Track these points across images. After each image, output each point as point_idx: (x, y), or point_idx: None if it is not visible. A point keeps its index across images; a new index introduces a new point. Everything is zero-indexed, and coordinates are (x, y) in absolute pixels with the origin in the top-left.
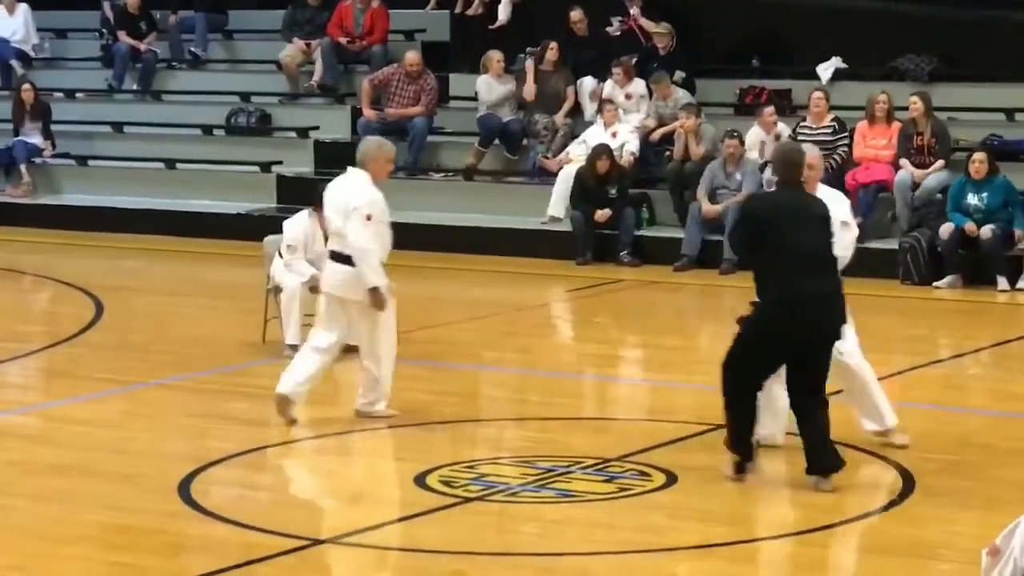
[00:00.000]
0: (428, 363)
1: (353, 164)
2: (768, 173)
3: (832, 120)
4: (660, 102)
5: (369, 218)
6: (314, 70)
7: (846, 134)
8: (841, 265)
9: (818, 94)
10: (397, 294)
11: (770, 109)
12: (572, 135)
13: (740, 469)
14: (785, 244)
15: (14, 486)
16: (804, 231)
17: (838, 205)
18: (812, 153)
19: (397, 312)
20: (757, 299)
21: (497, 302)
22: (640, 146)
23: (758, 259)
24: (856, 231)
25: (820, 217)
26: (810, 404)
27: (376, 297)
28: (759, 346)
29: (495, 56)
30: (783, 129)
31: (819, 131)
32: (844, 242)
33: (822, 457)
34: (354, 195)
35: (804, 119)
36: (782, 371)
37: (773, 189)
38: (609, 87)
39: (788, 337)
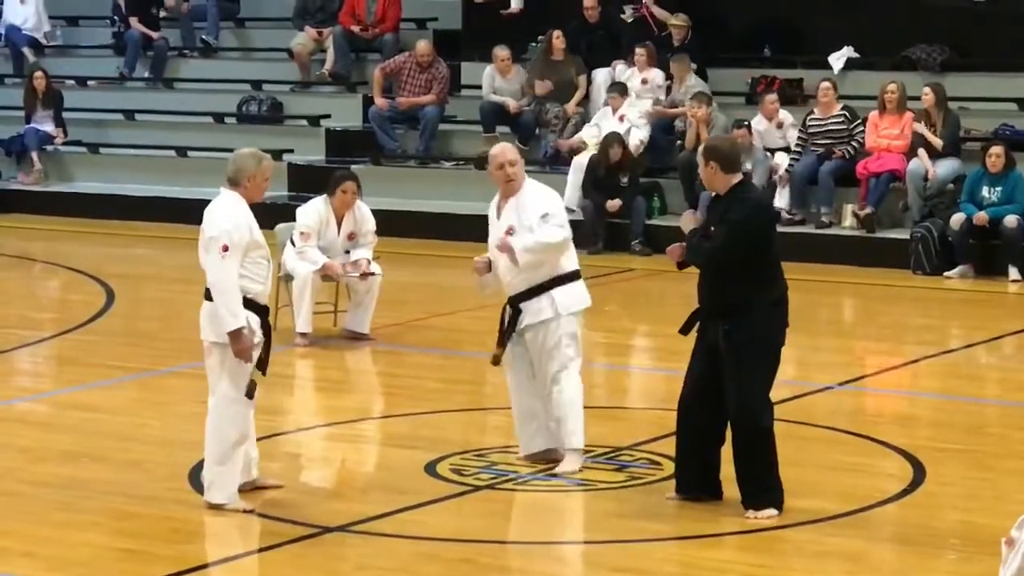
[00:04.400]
0: (438, 351)
1: (360, 151)
2: (780, 161)
3: (841, 110)
4: (678, 86)
5: (226, 249)
6: (326, 58)
7: (859, 122)
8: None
9: (826, 84)
10: (408, 281)
11: (771, 97)
12: (584, 124)
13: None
14: (775, 244)
15: (24, 473)
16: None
17: (546, 200)
18: (510, 149)
19: (411, 302)
20: (734, 303)
21: None
22: (650, 134)
23: (757, 260)
24: (561, 232)
25: None
26: None
27: (238, 343)
28: (778, 353)
29: (501, 54)
30: (785, 117)
31: (828, 121)
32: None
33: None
34: (212, 222)
35: (812, 111)
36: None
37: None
38: (626, 71)
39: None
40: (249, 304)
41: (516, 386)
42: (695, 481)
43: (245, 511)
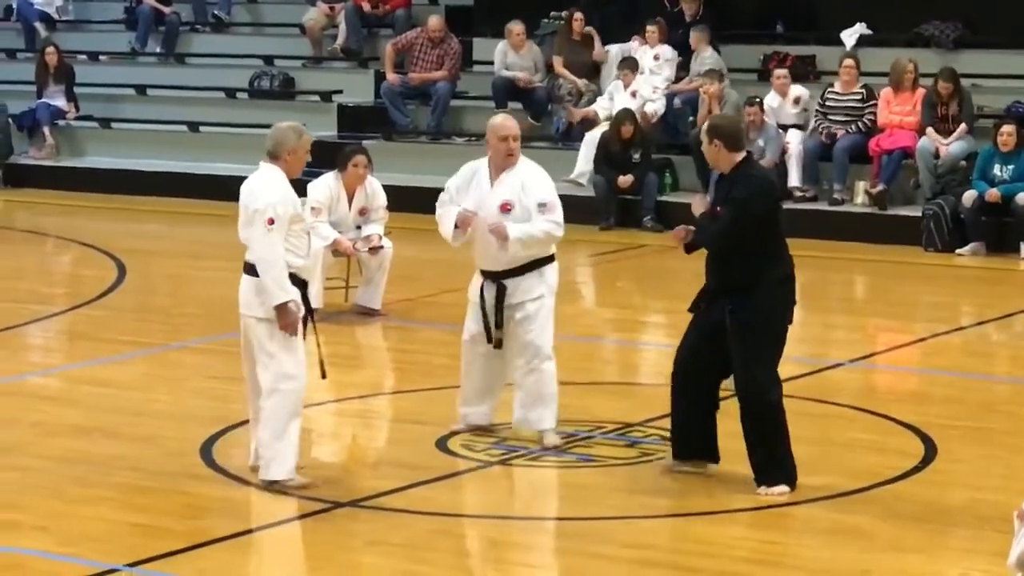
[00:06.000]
0: (449, 327)
1: (372, 127)
2: (792, 138)
3: (861, 87)
4: (696, 55)
5: (272, 222)
6: (338, 34)
7: (874, 102)
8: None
9: (848, 61)
10: (419, 257)
11: (780, 72)
12: (596, 99)
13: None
14: (781, 221)
15: (36, 447)
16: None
17: (546, 187)
18: (515, 123)
19: (422, 277)
20: (741, 281)
21: None
22: (664, 108)
23: (762, 239)
24: (560, 230)
25: None
26: None
27: (285, 316)
28: (784, 331)
29: (515, 28)
30: (799, 92)
31: (847, 98)
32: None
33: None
34: (255, 196)
35: (832, 85)
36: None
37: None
38: (638, 48)
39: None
40: (291, 278)
41: (479, 361)
42: (695, 447)
43: (302, 486)
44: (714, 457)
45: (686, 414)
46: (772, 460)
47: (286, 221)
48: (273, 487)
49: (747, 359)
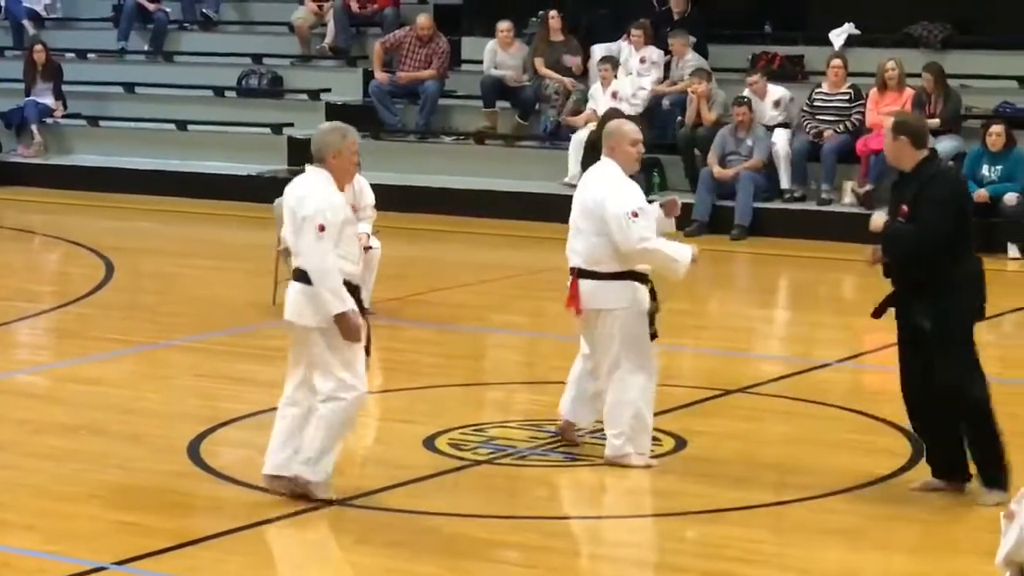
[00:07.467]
0: (437, 326)
1: (360, 126)
2: (779, 138)
3: (849, 87)
4: (677, 60)
5: (322, 229)
6: (326, 32)
7: (862, 102)
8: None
9: (836, 61)
10: (407, 256)
11: (753, 78)
12: (584, 98)
13: None
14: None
15: (24, 445)
16: None
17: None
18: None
19: (411, 276)
20: (936, 280)
21: (507, 265)
22: (649, 110)
23: (956, 235)
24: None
25: None
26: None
27: (346, 324)
28: (972, 330)
29: (503, 26)
30: (779, 94)
31: (835, 98)
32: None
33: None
34: (303, 202)
35: (819, 85)
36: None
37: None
38: (625, 49)
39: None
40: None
41: None
42: (946, 468)
43: (328, 499)
44: (964, 477)
45: (930, 439)
46: (990, 458)
47: (337, 227)
48: (297, 486)
49: (948, 358)
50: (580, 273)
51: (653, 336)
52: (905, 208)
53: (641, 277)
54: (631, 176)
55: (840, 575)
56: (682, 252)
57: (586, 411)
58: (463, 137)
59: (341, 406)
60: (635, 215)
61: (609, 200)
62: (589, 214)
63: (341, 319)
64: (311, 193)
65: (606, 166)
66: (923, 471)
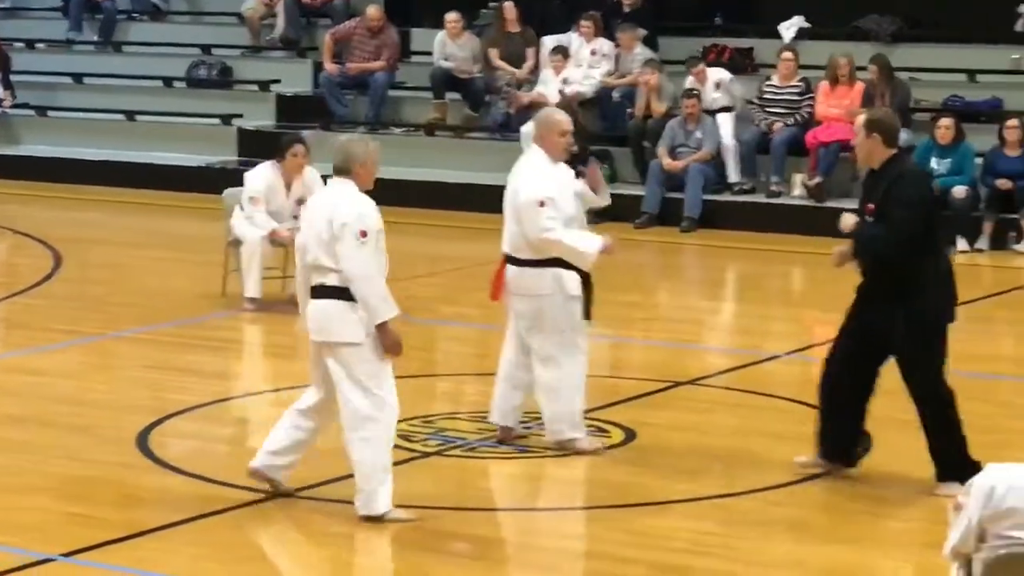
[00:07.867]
0: None
1: (310, 117)
2: (724, 122)
3: (799, 80)
4: (626, 54)
5: (364, 234)
6: (276, 23)
7: (812, 95)
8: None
9: (787, 54)
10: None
11: (697, 68)
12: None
13: None
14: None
15: None
16: None
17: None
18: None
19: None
20: (906, 281)
21: (457, 257)
22: (599, 101)
23: (926, 235)
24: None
25: None
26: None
27: (388, 335)
28: (946, 328)
29: (451, 17)
30: (719, 76)
31: (785, 91)
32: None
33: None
34: (339, 210)
35: (769, 78)
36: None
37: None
38: (575, 41)
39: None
40: None
41: None
42: (835, 452)
43: (407, 520)
44: (852, 463)
45: (831, 421)
46: (952, 459)
47: (376, 233)
48: (373, 520)
49: (920, 360)
50: (507, 259)
51: (587, 318)
52: (872, 206)
53: (566, 263)
54: (577, 169)
55: (787, 567)
56: (588, 243)
57: (517, 414)
58: (413, 129)
59: (377, 428)
60: (542, 204)
61: (523, 188)
62: (509, 202)
63: (383, 328)
64: (344, 200)
65: (533, 154)
66: (872, 463)
